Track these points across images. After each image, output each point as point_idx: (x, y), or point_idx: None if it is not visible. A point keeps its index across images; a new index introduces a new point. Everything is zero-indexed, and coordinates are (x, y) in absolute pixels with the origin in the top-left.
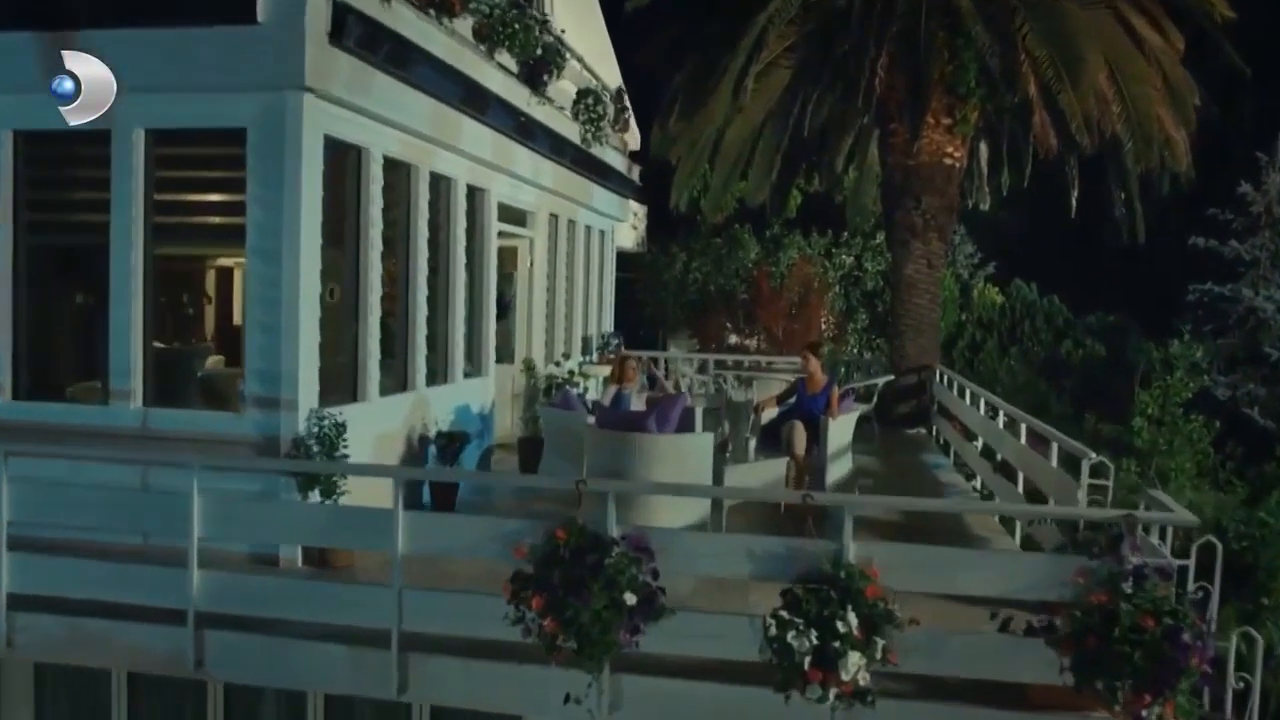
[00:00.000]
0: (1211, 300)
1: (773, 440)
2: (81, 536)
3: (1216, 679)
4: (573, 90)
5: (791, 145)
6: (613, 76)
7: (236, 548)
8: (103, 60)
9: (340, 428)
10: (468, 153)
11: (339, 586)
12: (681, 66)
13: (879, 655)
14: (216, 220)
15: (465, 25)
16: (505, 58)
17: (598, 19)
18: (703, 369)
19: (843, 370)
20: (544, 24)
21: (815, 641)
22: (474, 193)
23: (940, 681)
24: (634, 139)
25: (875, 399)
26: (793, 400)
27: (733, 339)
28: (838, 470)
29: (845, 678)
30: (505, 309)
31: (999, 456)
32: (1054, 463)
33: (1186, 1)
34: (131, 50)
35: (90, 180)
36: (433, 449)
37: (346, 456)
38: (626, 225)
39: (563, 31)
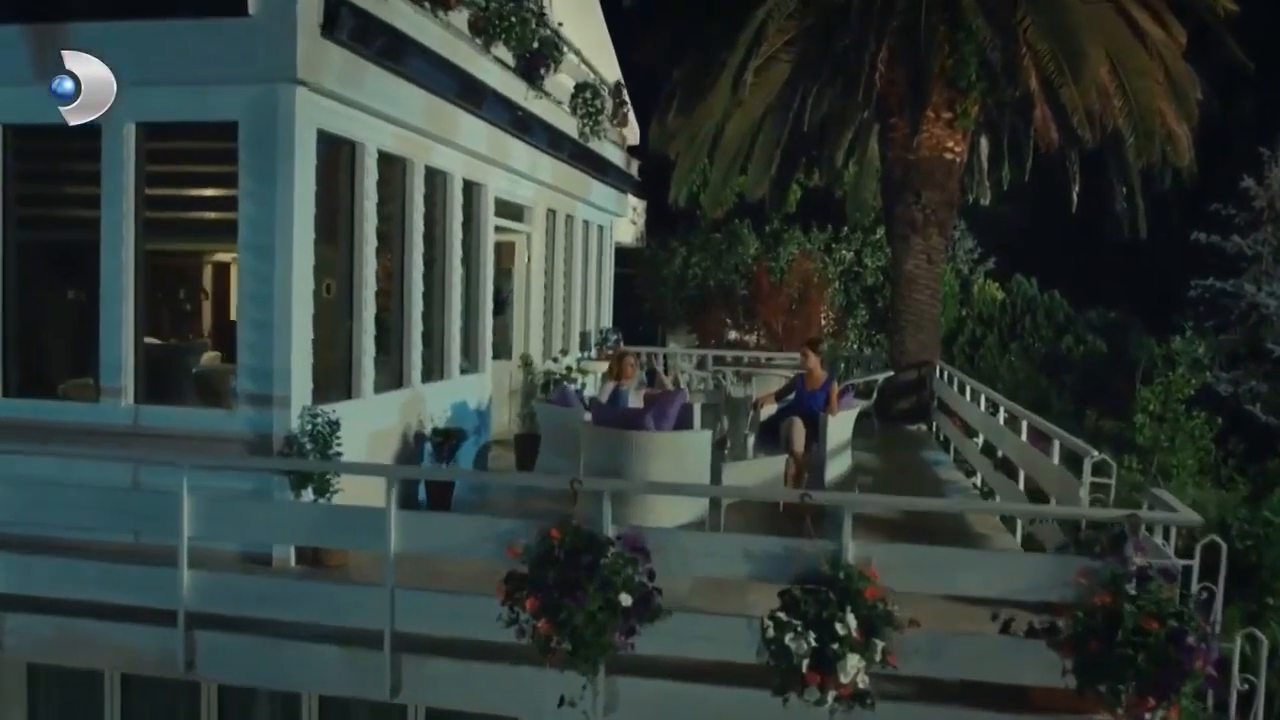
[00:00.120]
0: (1213, 296)
1: (772, 437)
2: (71, 536)
3: (1220, 681)
4: (570, 84)
5: (791, 140)
6: (612, 71)
7: (229, 547)
8: (92, 53)
9: (334, 425)
10: (464, 147)
11: (331, 586)
12: (681, 61)
13: (878, 657)
14: (208, 215)
15: (461, 18)
16: (502, 51)
17: (596, 13)
18: (702, 365)
19: (842, 366)
20: (541, 17)
21: (813, 644)
22: (470, 187)
23: (940, 684)
24: (633, 134)
25: (875, 395)
26: (792, 397)
27: (732, 335)
28: (837, 467)
29: (844, 680)
30: (502, 305)
31: (999, 454)
32: (1055, 460)
33: None
34: (122, 43)
35: (80, 175)
36: (428, 446)
37: (340, 454)
38: (625, 220)
39: (560, 25)
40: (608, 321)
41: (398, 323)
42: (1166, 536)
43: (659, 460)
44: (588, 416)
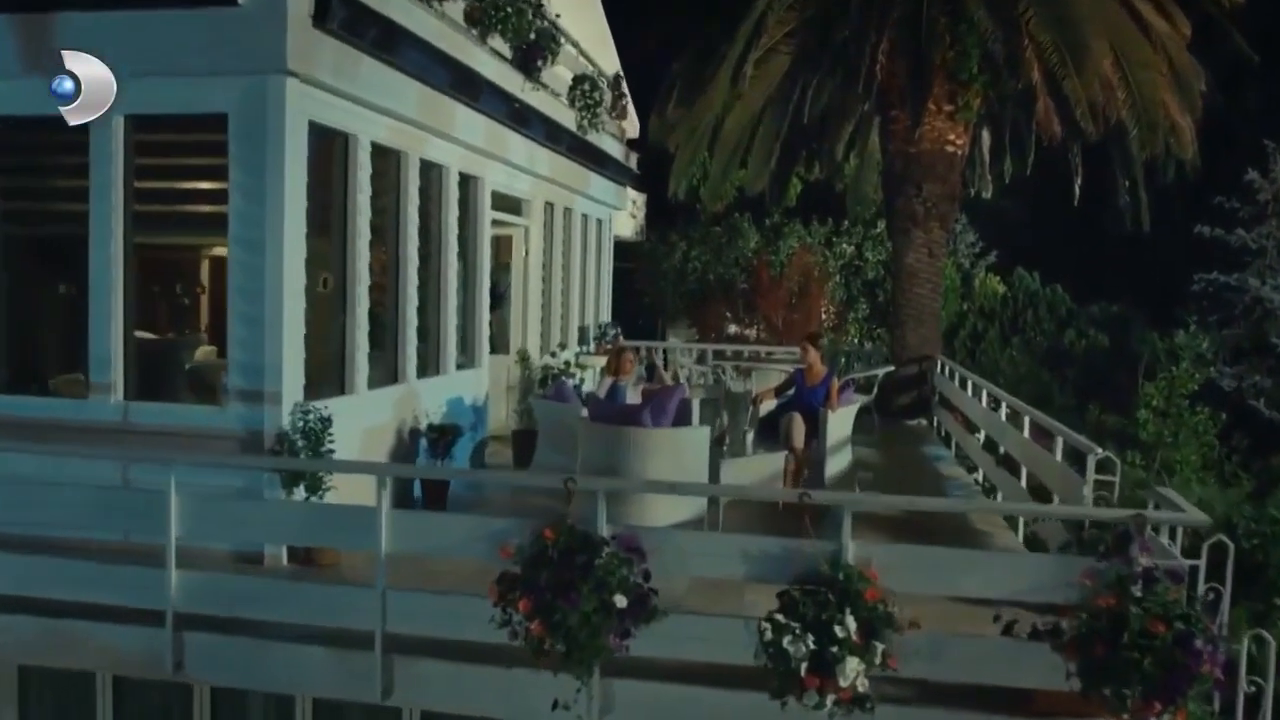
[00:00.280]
0: (1217, 290)
1: (771, 433)
2: (60, 535)
3: (1227, 683)
4: (569, 76)
5: (791, 133)
6: (611, 64)
7: (220, 545)
8: (80, 44)
9: (325, 422)
10: (460, 140)
11: (321, 587)
12: (680, 53)
13: (878, 660)
14: (198, 209)
15: (456, 9)
16: (498, 43)
17: (596, 6)
18: (701, 359)
19: (843, 360)
20: (538, 8)
21: (812, 646)
22: (467, 180)
23: (941, 687)
24: (633, 127)
25: (875, 390)
26: (791, 392)
27: (732, 329)
28: (837, 464)
29: (843, 684)
30: (500, 299)
31: (1001, 450)
32: (1058, 457)
33: None
34: (110, 34)
35: (69, 168)
36: (424, 442)
37: (332, 451)
38: (625, 214)
39: (557, 16)
40: (607, 316)
41: (392, 317)
42: (1172, 536)
43: (657, 457)
44: (584, 412)
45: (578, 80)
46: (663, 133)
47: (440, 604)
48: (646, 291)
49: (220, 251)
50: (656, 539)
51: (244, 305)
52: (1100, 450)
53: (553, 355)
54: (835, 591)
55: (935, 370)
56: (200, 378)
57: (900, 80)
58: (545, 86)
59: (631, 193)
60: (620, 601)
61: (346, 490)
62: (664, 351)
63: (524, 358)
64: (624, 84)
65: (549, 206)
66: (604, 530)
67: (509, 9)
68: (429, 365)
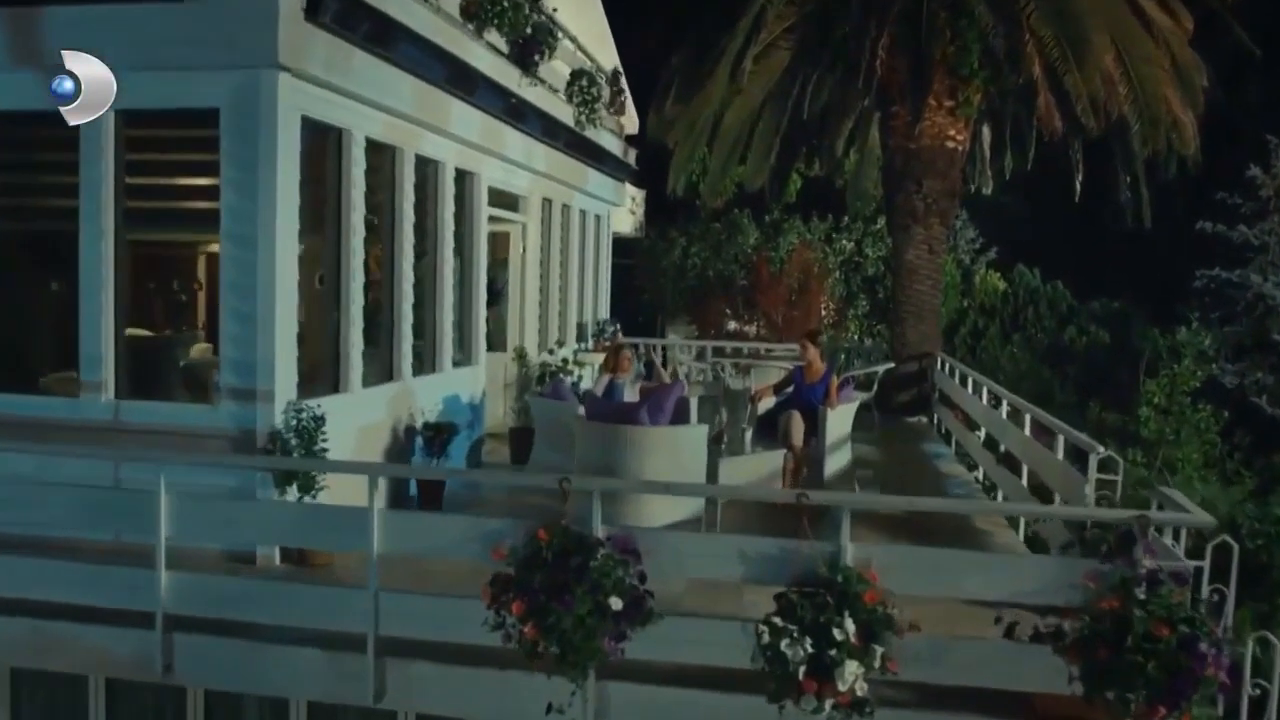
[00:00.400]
0: (1219, 286)
1: (770, 431)
2: (51, 535)
3: (1232, 686)
4: (566, 72)
5: (791, 128)
6: (610, 59)
7: (211, 546)
8: (70, 37)
9: (319, 420)
10: (456, 135)
11: (313, 588)
12: (679, 47)
13: (878, 664)
14: (190, 205)
15: (452, 2)
16: (494, 37)
17: (595, 1)
18: (701, 356)
19: (843, 357)
20: (534, 2)
21: (810, 650)
22: (463, 176)
23: (942, 690)
24: (632, 123)
25: (875, 386)
26: (790, 390)
27: (732, 325)
28: (836, 462)
29: (842, 688)
30: (497, 296)
31: (1002, 448)
32: (1060, 455)
33: None
34: (99, 27)
35: (59, 163)
36: (419, 441)
37: (326, 450)
38: (624, 210)
39: (554, 10)
40: (605, 312)
41: (387, 315)
42: (1176, 537)
43: (654, 456)
44: (581, 410)
45: (576, 75)
46: (662, 128)
47: (434, 606)
48: (646, 288)
49: (217, 248)
50: (652, 540)
51: (236, 302)
52: (1102, 449)
53: (551, 352)
54: (834, 594)
55: (935, 367)
56: (195, 376)
57: (900, 75)
58: (543, 82)
59: (631, 189)
60: (615, 604)
61: (340, 490)
62: (662, 349)
63: (521, 355)
64: (623, 79)
65: (547, 203)
66: (599, 531)
67: (505, 3)
68: (425, 363)
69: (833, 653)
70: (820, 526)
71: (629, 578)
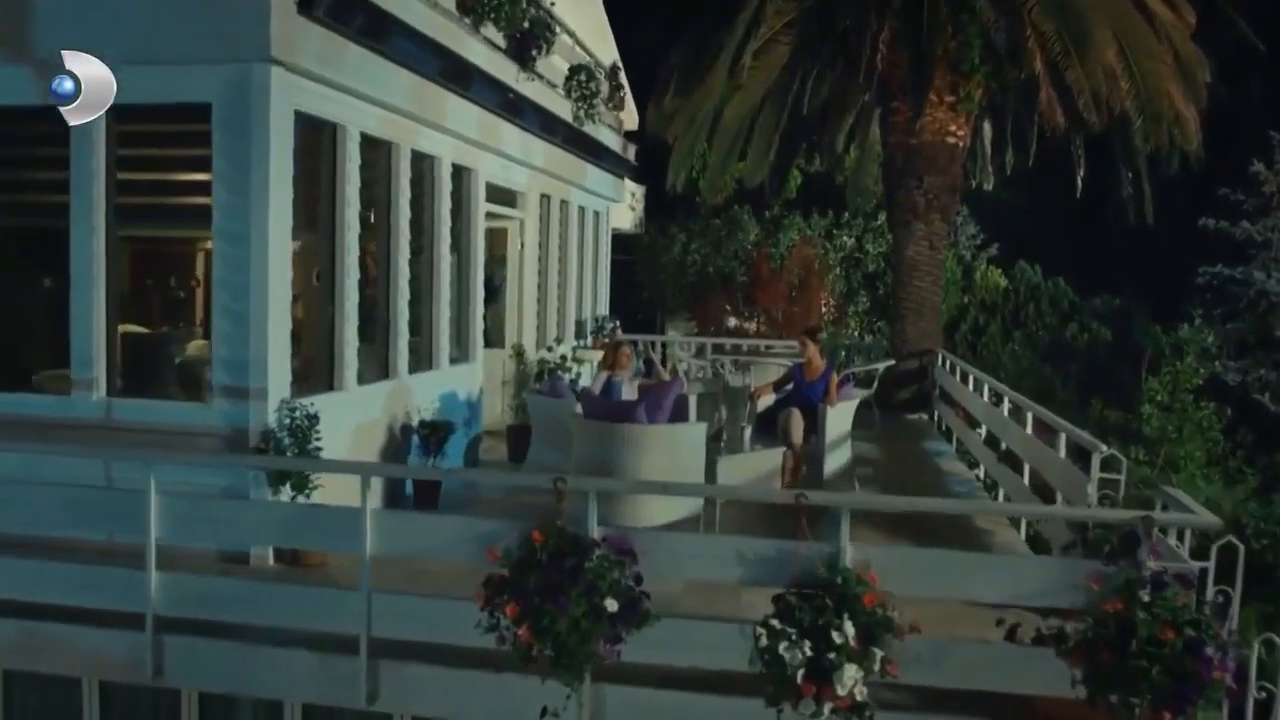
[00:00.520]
0: (1221, 283)
1: (769, 428)
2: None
3: (1238, 690)
4: (565, 67)
5: (791, 124)
6: (609, 54)
7: (202, 546)
8: (60, 32)
9: (312, 419)
10: (452, 130)
11: (305, 590)
12: (678, 42)
13: (877, 667)
14: (182, 201)
15: None
16: (491, 32)
17: None
18: (700, 353)
19: (843, 354)
20: None
21: (809, 653)
22: (460, 172)
23: (943, 693)
24: (631, 119)
25: (876, 384)
26: (790, 387)
27: (732, 322)
28: (836, 460)
29: (841, 692)
30: (494, 292)
31: (1003, 446)
32: (1062, 454)
33: None
34: (90, 21)
35: (49, 159)
36: (415, 439)
37: (320, 449)
38: (624, 206)
39: (552, 4)
40: (605, 309)
41: (383, 312)
42: (1180, 537)
43: (652, 454)
44: (579, 408)
45: (574, 70)
46: (661, 124)
47: (428, 607)
48: (646, 284)
49: None
50: (649, 541)
51: (228, 299)
52: (1105, 447)
53: (549, 349)
54: (833, 596)
55: (936, 364)
56: (189, 373)
57: (901, 71)
58: (540, 77)
59: (631, 185)
60: (611, 605)
61: (335, 490)
62: (661, 345)
63: (519, 352)
64: (622, 75)
65: (545, 199)
66: (594, 532)
67: None
68: (421, 360)
69: (832, 656)
70: (819, 526)
71: (625, 579)
